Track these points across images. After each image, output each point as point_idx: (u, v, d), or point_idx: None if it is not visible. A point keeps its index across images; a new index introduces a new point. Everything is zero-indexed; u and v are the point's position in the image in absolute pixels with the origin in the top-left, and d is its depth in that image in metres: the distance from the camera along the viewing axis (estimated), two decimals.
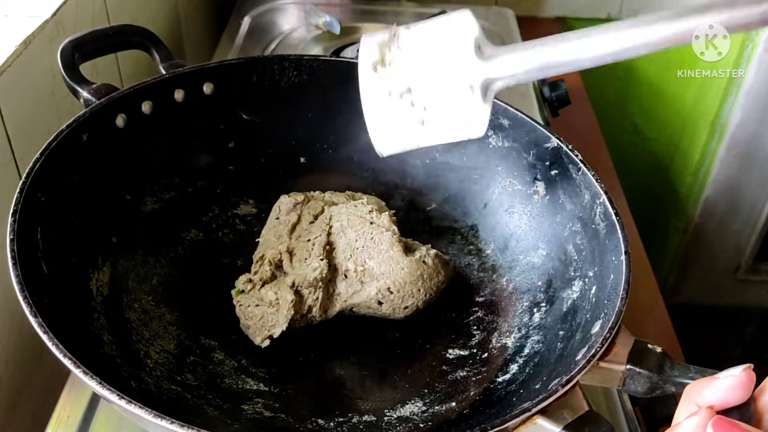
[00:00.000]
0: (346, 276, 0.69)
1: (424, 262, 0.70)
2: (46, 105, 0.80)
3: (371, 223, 0.70)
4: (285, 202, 0.75)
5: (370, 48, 0.61)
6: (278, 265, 0.70)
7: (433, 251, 0.71)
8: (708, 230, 1.68)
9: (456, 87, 0.56)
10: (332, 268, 0.69)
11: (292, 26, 1.27)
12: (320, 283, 0.67)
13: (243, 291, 0.68)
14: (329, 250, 0.70)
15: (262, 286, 0.68)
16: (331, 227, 0.71)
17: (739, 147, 1.56)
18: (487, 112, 0.55)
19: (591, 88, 1.51)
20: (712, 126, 1.58)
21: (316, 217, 0.73)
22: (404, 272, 0.68)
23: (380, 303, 0.68)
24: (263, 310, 0.66)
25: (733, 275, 1.74)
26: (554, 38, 0.53)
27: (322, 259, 0.68)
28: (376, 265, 0.68)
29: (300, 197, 0.75)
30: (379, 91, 0.61)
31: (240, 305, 0.68)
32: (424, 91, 0.58)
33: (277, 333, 0.66)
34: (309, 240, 0.71)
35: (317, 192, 0.77)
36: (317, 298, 0.67)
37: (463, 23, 0.58)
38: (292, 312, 0.66)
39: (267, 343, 0.66)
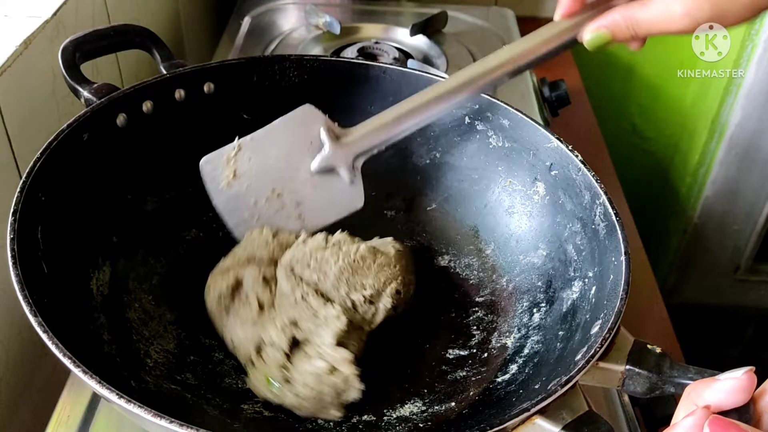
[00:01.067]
0: (356, 308, 0.65)
1: (398, 249, 0.70)
2: (46, 105, 0.80)
3: (334, 245, 0.68)
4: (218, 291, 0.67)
5: (214, 168, 0.67)
6: (293, 340, 0.63)
7: (389, 238, 0.72)
8: (708, 230, 1.68)
9: (324, 176, 0.64)
10: (346, 310, 0.65)
11: (292, 26, 1.27)
12: (351, 329, 0.63)
13: (275, 382, 0.62)
14: (325, 296, 0.65)
15: (290, 364, 0.62)
16: (301, 277, 0.65)
17: (739, 147, 1.56)
18: (360, 185, 0.63)
19: (591, 88, 1.51)
20: (711, 126, 1.58)
21: (267, 281, 0.67)
22: (397, 268, 0.68)
23: (395, 309, 0.67)
24: (319, 383, 0.60)
25: (732, 275, 1.74)
26: (390, 110, 0.66)
27: (333, 306, 0.63)
28: (374, 281, 0.66)
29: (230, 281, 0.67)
30: (243, 203, 0.67)
31: (285, 398, 0.61)
32: (292, 188, 0.66)
33: (356, 395, 0.61)
34: (296, 300, 0.64)
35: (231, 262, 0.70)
36: (356, 343, 0.64)
37: (308, 115, 0.66)
38: (355, 363, 0.61)
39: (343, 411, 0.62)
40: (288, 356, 0.61)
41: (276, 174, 0.65)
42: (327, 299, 0.64)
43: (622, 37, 0.60)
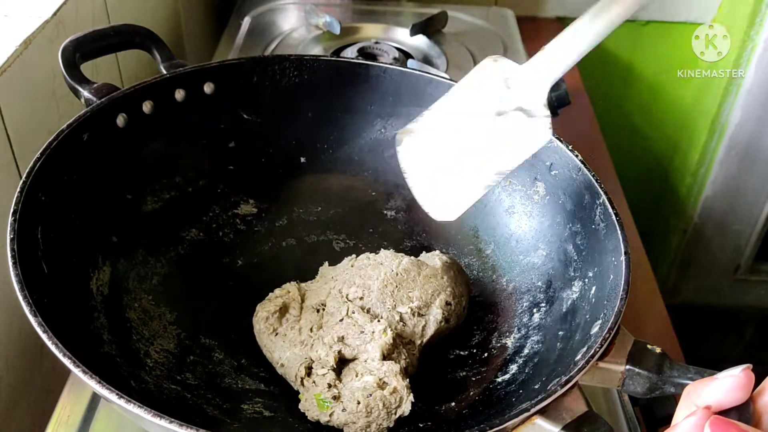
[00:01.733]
0: (404, 322, 0.65)
1: (445, 261, 0.70)
2: (46, 105, 0.80)
3: (377, 263, 0.68)
4: (266, 313, 0.67)
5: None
6: (341, 359, 0.63)
7: (435, 251, 0.71)
8: (708, 230, 1.68)
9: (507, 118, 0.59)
10: (393, 324, 0.65)
11: (292, 26, 1.27)
12: (398, 342, 0.64)
13: (327, 400, 0.61)
14: (372, 312, 0.65)
15: (338, 382, 0.62)
16: (347, 295, 0.66)
17: (739, 147, 1.56)
18: (548, 118, 0.58)
19: (591, 88, 1.50)
20: (711, 126, 1.58)
21: (317, 308, 0.67)
22: (445, 279, 0.68)
23: (447, 321, 0.67)
24: (369, 399, 0.59)
25: (732, 275, 1.74)
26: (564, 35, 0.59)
27: (378, 321, 0.64)
28: (421, 293, 0.66)
29: (278, 305, 0.68)
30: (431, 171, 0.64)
31: (336, 417, 0.60)
32: (476, 144, 0.61)
33: (407, 407, 0.60)
34: (342, 318, 0.65)
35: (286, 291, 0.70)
36: (407, 357, 0.64)
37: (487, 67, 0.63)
38: (405, 375, 0.62)
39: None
40: (338, 374, 0.62)
41: (461, 135, 0.63)
42: (374, 315, 0.64)
43: None
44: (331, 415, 0.60)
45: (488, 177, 0.62)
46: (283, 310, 0.67)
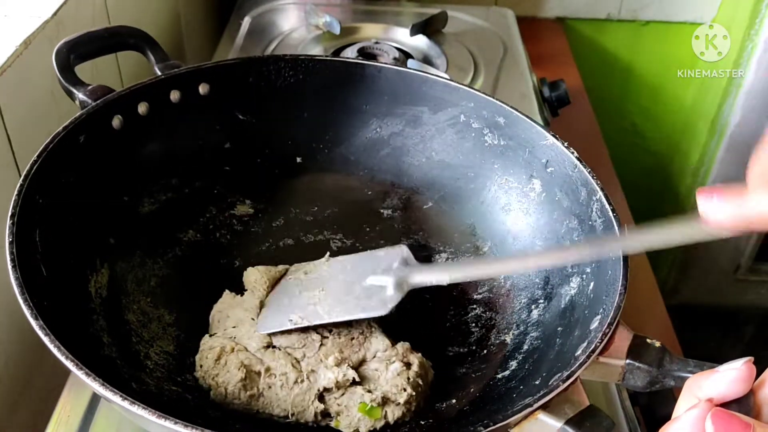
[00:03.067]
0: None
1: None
2: (46, 105, 0.80)
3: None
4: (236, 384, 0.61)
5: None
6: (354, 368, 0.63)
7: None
8: None
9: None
10: None
11: (292, 26, 1.27)
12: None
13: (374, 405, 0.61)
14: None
15: (371, 385, 0.62)
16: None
17: (739, 147, 1.56)
18: (396, 302, 0.63)
19: (591, 88, 1.51)
20: (711, 126, 1.58)
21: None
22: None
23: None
24: (409, 381, 0.62)
25: (732, 275, 1.74)
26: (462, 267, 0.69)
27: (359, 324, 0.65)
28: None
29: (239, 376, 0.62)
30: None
31: (392, 414, 0.61)
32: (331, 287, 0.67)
33: (432, 373, 0.65)
34: (322, 344, 0.64)
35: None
36: None
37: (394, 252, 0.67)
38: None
39: None
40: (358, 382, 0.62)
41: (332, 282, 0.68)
42: (346, 324, 0.65)
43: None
44: (386, 415, 0.60)
45: (320, 315, 0.64)
46: (248, 372, 0.61)
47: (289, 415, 0.61)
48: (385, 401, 0.61)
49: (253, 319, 0.66)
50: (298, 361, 0.63)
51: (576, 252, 0.65)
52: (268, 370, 0.62)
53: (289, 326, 0.63)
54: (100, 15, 0.93)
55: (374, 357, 0.63)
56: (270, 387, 0.61)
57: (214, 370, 0.62)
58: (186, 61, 0.91)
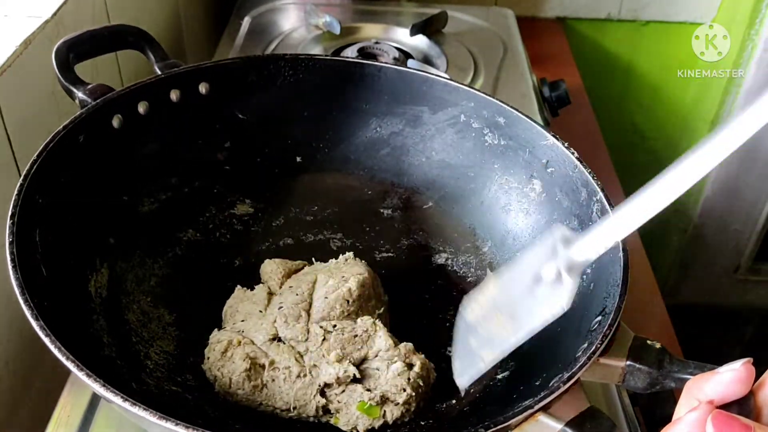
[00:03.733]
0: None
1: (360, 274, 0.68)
2: (46, 105, 0.80)
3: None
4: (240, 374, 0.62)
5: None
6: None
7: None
8: (708, 230, 1.68)
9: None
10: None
11: (292, 26, 1.27)
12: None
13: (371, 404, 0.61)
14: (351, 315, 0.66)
15: (370, 384, 0.62)
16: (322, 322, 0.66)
17: (739, 147, 1.56)
18: (574, 289, 0.54)
19: (591, 88, 1.51)
20: (712, 126, 1.59)
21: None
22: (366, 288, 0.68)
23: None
24: (410, 381, 0.62)
25: (733, 275, 1.74)
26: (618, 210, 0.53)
27: (363, 319, 0.65)
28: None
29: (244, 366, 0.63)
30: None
31: (392, 414, 0.61)
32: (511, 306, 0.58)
33: (434, 374, 0.64)
34: (325, 338, 0.64)
35: None
36: None
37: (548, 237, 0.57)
38: None
39: None
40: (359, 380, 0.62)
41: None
42: (354, 316, 0.65)
43: None
44: (384, 415, 0.61)
45: (493, 354, 0.58)
46: (253, 362, 0.62)
47: (291, 409, 0.61)
48: (384, 400, 0.61)
49: (261, 311, 0.67)
50: (302, 356, 0.63)
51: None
52: (272, 363, 0.62)
53: (483, 368, 0.58)
54: (100, 15, 0.93)
55: (376, 356, 0.63)
56: (273, 380, 0.62)
57: (220, 362, 0.62)
58: (186, 60, 0.91)
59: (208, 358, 0.64)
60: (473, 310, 0.61)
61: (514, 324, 0.57)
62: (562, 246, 0.54)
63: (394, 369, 0.62)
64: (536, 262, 0.57)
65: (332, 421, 0.62)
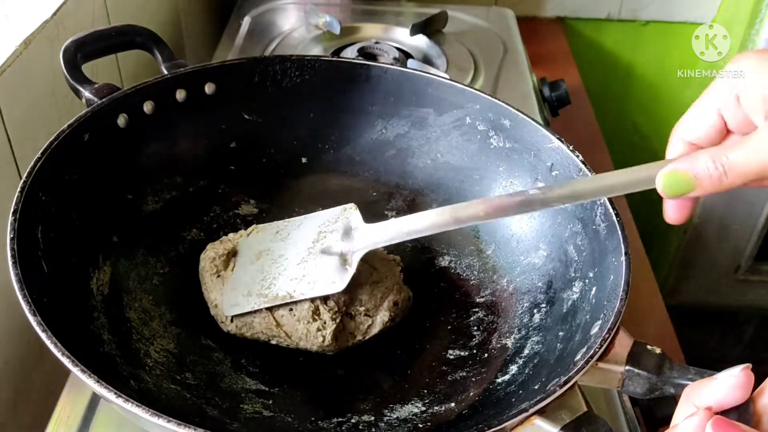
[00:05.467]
0: (353, 318, 0.68)
1: (384, 258, 0.71)
2: (46, 105, 0.80)
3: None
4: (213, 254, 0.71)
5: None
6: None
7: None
8: (708, 230, 1.68)
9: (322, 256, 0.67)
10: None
11: (292, 26, 1.27)
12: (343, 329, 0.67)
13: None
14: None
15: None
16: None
17: None
18: (351, 274, 0.64)
19: (591, 88, 1.51)
20: None
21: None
22: (389, 279, 0.69)
23: (393, 320, 0.68)
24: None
25: (733, 275, 1.74)
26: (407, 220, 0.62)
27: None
28: (370, 297, 0.68)
29: (227, 248, 0.71)
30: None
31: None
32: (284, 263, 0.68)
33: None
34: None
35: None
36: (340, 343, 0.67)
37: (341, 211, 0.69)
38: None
39: None
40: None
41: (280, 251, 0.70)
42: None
43: (707, 183, 0.50)
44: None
45: (277, 296, 0.66)
46: (232, 254, 0.70)
47: (212, 306, 0.68)
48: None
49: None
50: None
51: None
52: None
53: (253, 307, 0.66)
54: (100, 15, 0.93)
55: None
56: (228, 278, 0.69)
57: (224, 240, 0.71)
58: (186, 61, 0.91)
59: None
60: (249, 247, 0.71)
61: (290, 283, 0.66)
62: (354, 230, 0.65)
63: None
64: (324, 231, 0.68)
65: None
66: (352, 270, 0.64)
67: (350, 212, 0.68)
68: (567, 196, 0.57)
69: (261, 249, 0.70)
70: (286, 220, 0.72)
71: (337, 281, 0.64)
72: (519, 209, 0.57)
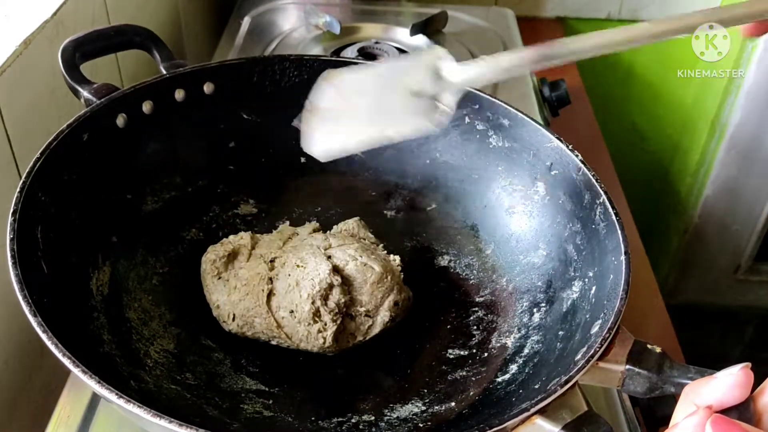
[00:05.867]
0: (353, 319, 0.68)
1: (385, 259, 0.71)
2: (46, 105, 0.80)
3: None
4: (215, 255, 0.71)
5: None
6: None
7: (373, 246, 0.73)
8: (708, 230, 1.68)
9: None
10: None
11: (292, 26, 1.27)
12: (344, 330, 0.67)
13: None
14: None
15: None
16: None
17: (739, 147, 1.56)
18: (451, 114, 0.61)
19: (591, 88, 1.51)
20: (712, 126, 1.58)
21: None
22: (393, 279, 0.69)
23: (393, 320, 0.68)
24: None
25: (733, 275, 1.74)
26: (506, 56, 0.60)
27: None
28: (370, 298, 0.68)
29: (227, 249, 0.71)
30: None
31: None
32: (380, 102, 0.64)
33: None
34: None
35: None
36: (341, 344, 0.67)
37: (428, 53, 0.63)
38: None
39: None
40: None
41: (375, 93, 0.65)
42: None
43: None
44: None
45: (371, 137, 0.63)
46: (232, 256, 0.70)
47: (214, 308, 0.68)
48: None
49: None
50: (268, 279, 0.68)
51: None
52: (241, 266, 0.69)
53: (345, 144, 0.64)
54: (100, 15, 0.93)
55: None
56: (228, 279, 0.69)
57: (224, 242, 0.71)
58: (186, 60, 0.91)
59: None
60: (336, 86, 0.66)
61: (387, 123, 0.63)
62: (444, 68, 0.61)
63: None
64: (413, 72, 0.63)
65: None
66: (450, 110, 0.61)
67: (437, 52, 0.64)
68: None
69: (350, 89, 0.66)
70: (370, 64, 0.70)
71: (433, 120, 0.61)
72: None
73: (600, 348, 0.53)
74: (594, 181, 0.67)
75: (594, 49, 0.58)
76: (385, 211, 0.82)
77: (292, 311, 0.65)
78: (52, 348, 0.50)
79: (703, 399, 0.43)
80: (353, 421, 0.62)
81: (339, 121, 0.64)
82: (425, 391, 0.65)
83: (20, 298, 0.53)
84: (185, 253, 0.75)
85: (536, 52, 0.58)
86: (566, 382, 0.51)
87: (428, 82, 0.62)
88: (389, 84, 0.64)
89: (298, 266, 0.67)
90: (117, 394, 0.48)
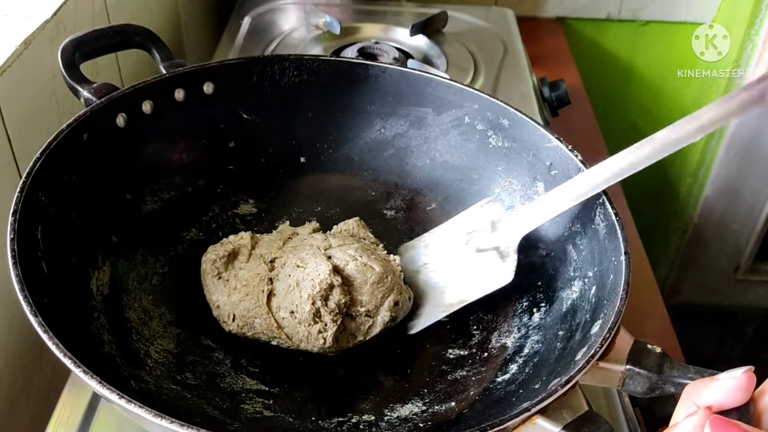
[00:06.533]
0: (354, 319, 0.67)
1: (385, 259, 0.71)
2: (46, 105, 0.80)
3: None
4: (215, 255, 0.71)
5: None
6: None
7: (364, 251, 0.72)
8: (708, 230, 1.68)
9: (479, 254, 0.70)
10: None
11: (292, 26, 1.27)
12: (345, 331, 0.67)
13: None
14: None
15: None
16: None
17: (739, 147, 1.56)
18: (514, 262, 0.68)
19: (591, 88, 1.51)
20: None
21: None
22: (390, 279, 0.69)
23: (394, 320, 0.68)
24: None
25: (733, 275, 1.74)
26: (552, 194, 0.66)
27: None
28: (370, 298, 0.67)
29: (228, 249, 0.71)
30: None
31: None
32: (444, 267, 0.73)
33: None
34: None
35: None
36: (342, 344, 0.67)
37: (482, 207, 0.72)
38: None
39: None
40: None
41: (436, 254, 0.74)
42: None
43: None
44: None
45: (452, 304, 0.70)
46: (232, 256, 0.70)
47: (214, 308, 0.68)
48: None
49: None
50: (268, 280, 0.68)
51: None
52: (241, 266, 0.69)
53: (437, 318, 0.70)
54: (100, 15, 0.93)
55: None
56: (228, 279, 0.69)
57: (224, 242, 0.71)
58: (186, 60, 0.91)
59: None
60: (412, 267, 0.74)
61: (459, 289, 0.70)
62: (501, 222, 0.68)
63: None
64: (471, 231, 0.70)
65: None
66: (513, 259, 0.67)
67: (489, 206, 0.71)
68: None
69: (420, 264, 0.73)
70: (429, 232, 0.76)
71: (502, 274, 0.67)
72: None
73: (600, 348, 0.53)
74: None
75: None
76: (385, 211, 0.82)
77: (292, 312, 0.65)
78: (53, 348, 0.50)
79: (704, 399, 0.43)
80: (353, 421, 0.62)
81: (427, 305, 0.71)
82: (425, 390, 0.65)
83: (20, 298, 0.53)
84: (185, 253, 0.75)
85: (577, 188, 0.64)
86: (567, 382, 0.50)
87: (488, 238, 0.69)
88: (454, 251, 0.71)
89: (298, 267, 0.67)
90: (118, 394, 0.48)
